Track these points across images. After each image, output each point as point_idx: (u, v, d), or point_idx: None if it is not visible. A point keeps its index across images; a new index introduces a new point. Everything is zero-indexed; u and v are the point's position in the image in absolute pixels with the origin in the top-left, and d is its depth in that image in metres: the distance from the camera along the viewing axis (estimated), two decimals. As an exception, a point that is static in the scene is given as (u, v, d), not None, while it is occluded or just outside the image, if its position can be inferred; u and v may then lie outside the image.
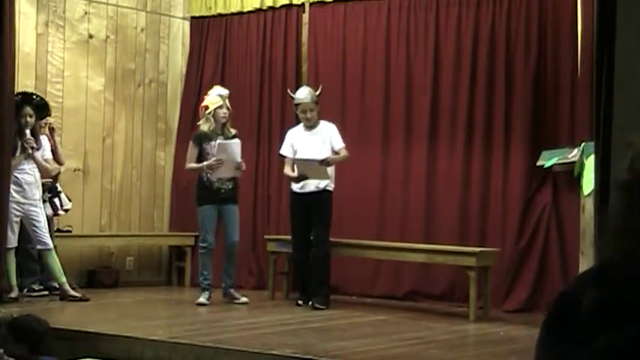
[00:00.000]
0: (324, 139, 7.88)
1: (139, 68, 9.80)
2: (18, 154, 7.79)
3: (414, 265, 8.27)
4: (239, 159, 7.93)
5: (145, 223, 9.83)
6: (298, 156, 7.88)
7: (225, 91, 8.13)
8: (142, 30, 9.82)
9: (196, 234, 9.65)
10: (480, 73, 8.34)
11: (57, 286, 8.05)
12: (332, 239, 8.00)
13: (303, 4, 9.38)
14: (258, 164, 9.41)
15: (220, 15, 9.85)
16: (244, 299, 8.08)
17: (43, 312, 7.27)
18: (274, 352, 5.56)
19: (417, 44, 8.70)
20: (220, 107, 7.99)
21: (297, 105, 7.97)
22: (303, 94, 7.98)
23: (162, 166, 9.99)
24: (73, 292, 7.95)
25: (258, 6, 9.58)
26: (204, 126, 8.03)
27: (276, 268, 8.53)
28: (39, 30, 8.96)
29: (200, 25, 10.01)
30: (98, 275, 9.19)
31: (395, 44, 8.81)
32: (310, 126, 7.93)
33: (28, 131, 7.85)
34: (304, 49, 9.40)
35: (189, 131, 9.91)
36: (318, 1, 9.25)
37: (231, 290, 8.13)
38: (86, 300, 7.93)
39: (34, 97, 8.12)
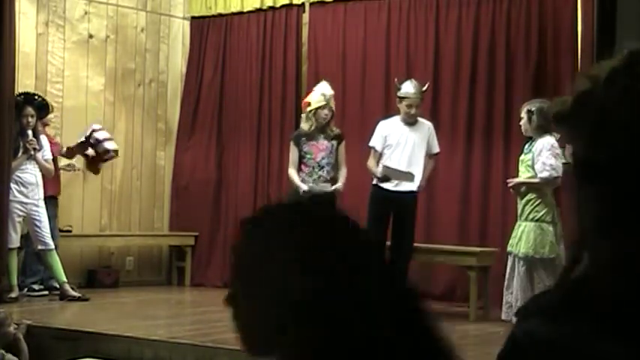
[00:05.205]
0: (423, 138, 7.49)
1: (139, 68, 9.79)
2: (20, 154, 7.80)
3: (414, 265, 8.26)
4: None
5: (145, 223, 9.82)
6: (395, 153, 7.44)
7: (330, 91, 7.60)
8: (142, 30, 9.81)
9: (196, 234, 9.66)
10: (480, 72, 8.34)
11: (57, 286, 8.05)
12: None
13: (303, 4, 9.38)
14: (258, 164, 9.40)
15: (220, 15, 9.84)
16: None
17: (43, 312, 7.30)
18: (274, 352, 5.55)
19: (417, 44, 8.70)
20: (322, 107, 7.50)
21: (401, 98, 7.48)
22: (412, 88, 7.45)
23: (162, 166, 9.98)
24: (73, 292, 7.95)
25: (258, 6, 9.58)
26: (304, 125, 7.56)
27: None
28: (39, 30, 8.96)
29: (200, 25, 10.01)
30: (98, 275, 9.18)
31: (395, 44, 8.81)
32: (411, 122, 7.52)
33: (30, 132, 7.86)
34: (304, 49, 9.40)
35: (190, 131, 9.93)
36: (318, 1, 9.24)
37: None
38: (86, 300, 7.93)
39: (36, 97, 8.13)
